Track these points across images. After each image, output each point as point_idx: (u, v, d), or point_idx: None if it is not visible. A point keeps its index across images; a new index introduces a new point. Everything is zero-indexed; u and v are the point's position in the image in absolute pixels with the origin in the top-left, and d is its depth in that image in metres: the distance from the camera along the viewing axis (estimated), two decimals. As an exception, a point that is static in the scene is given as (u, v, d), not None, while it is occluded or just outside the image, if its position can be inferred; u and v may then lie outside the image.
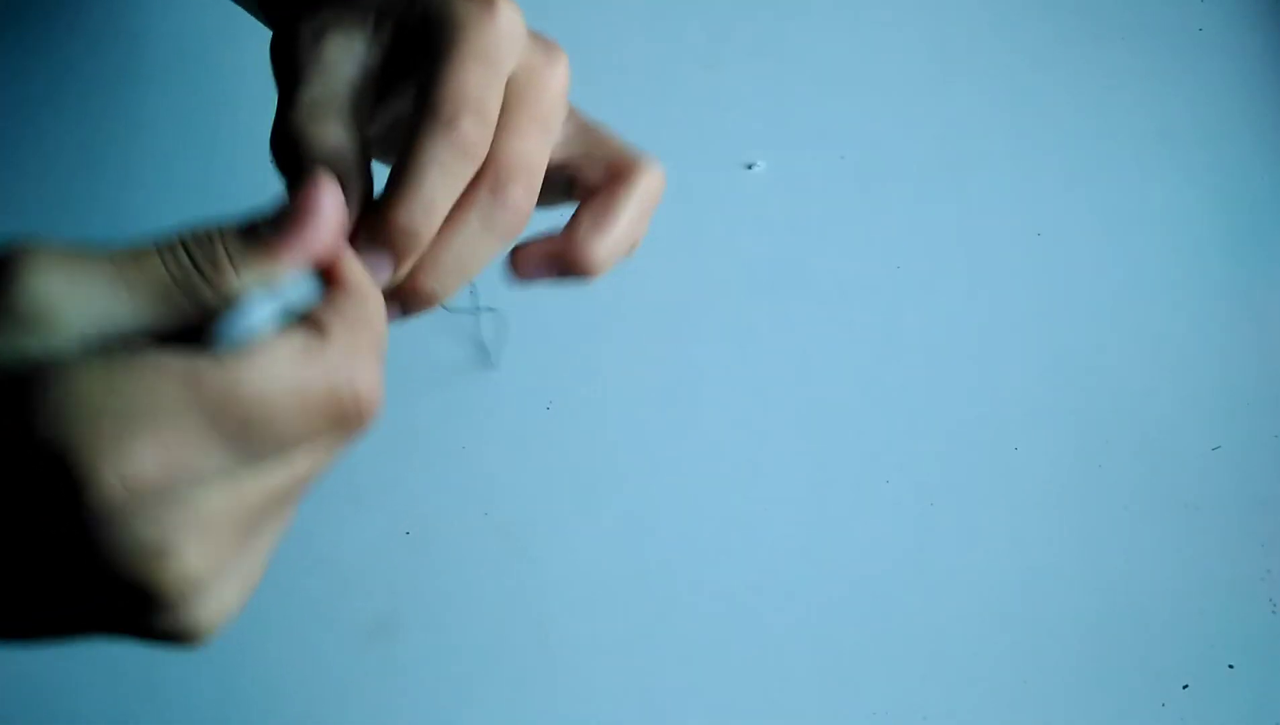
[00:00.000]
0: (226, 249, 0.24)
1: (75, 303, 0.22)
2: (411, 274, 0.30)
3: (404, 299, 0.30)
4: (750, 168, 0.57)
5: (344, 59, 0.30)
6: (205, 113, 0.57)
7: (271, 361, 0.22)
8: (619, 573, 0.50)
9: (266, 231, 0.25)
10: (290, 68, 0.30)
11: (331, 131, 0.29)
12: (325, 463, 0.25)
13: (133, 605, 0.21)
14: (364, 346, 0.24)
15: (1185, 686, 0.49)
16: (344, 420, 0.24)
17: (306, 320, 0.24)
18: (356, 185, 0.29)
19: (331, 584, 0.50)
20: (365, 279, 0.26)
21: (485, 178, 0.30)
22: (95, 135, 0.57)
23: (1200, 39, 0.60)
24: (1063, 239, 0.56)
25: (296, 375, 0.23)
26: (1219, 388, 0.53)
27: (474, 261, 0.30)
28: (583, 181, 0.35)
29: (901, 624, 0.50)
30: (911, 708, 0.49)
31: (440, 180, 0.28)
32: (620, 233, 0.33)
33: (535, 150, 0.31)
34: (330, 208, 0.25)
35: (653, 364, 0.53)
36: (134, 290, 0.23)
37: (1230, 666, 0.49)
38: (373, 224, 0.28)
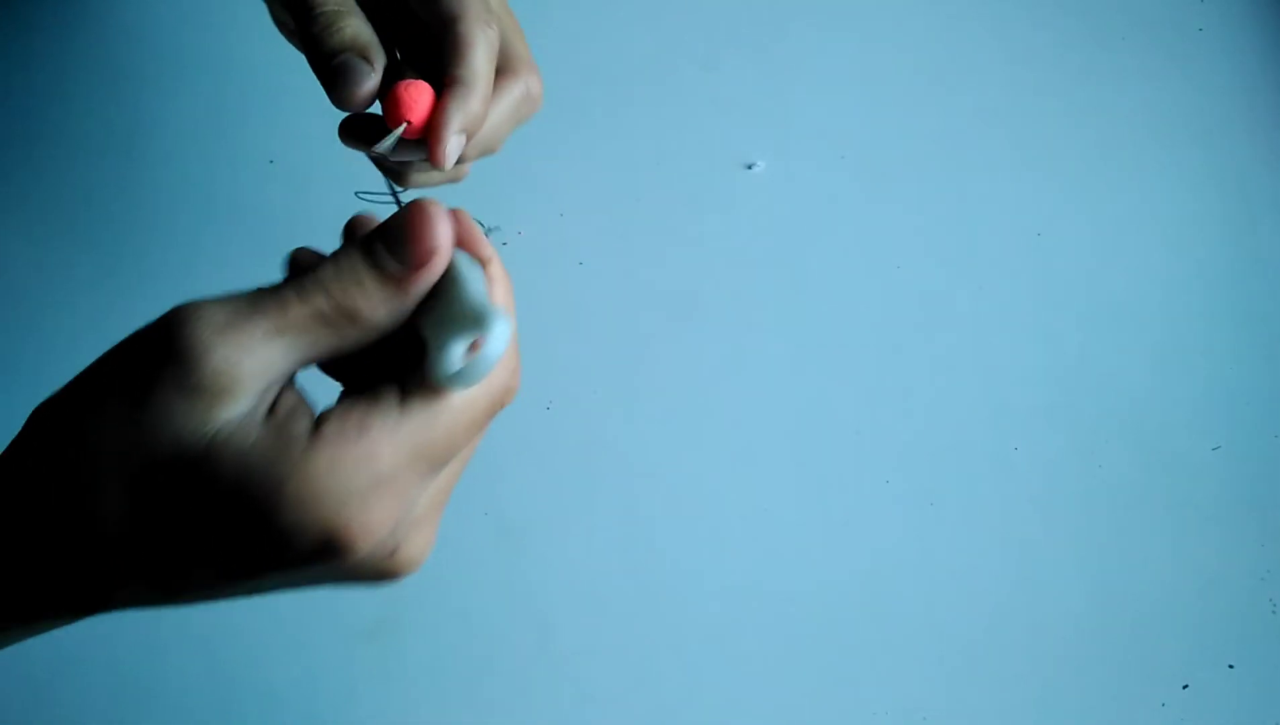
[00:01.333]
0: (365, 289, 0.26)
1: (247, 367, 0.24)
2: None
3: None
4: (750, 168, 0.57)
5: None
6: (208, 107, 0.57)
7: (449, 405, 0.26)
8: (619, 572, 0.50)
9: (395, 269, 0.26)
10: None
11: (353, 24, 0.35)
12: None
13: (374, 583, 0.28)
14: (510, 357, 0.28)
15: (1185, 686, 0.49)
16: (501, 409, 0.29)
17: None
18: (381, 59, 0.35)
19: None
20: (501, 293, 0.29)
21: (519, 74, 0.37)
22: (101, 129, 0.57)
23: (1200, 39, 0.60)
24: (1062, 239, 0.56)
25: (472, 407, 0.27)
26: (1219, 388, 0.53)
27: (496, 139, 0.38)
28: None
29: (902, 624, 0.50)
30: (912, 708, 0.49)
31: (489, 65, 0.35)
32: (496, 124, 0.37)
33: (527, 49, 0.39)
34: (447, 237, 0.27)
35: (652, 364, 0.53)
36: (288, 339, 0.25)
37: (1230, 666, 0.49)
38: (457, 110, 0.34)
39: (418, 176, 0.40)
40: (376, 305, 0.26)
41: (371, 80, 0.34)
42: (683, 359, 0.54)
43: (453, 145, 0.34)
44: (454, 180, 0.42)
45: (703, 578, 0.50)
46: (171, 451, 0.24)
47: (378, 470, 0.25)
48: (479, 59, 0.35)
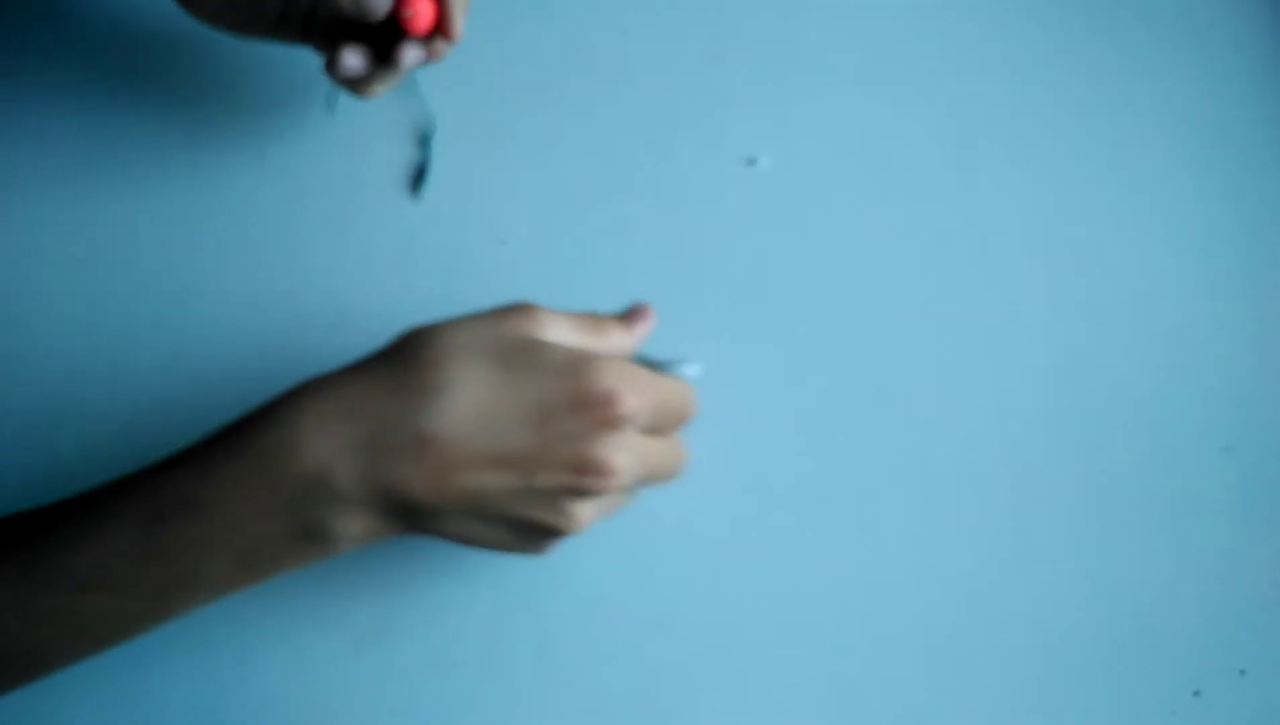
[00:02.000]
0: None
1: (558, 336, 0.40)
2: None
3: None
4: (752, 164, 0.56)
5: None
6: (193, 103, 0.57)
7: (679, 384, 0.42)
8: (616, 578, 0.50)
9: (629, 324, 0.44)
10: None
11: None
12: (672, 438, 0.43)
13: (579, 476, 0.37)
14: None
15: (1196, 693, 0.49)
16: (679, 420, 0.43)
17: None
18: None
19: (324, 590, 0.49)
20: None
21: None
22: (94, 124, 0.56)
23: (1207, 35, 0.60)
24: (1068, 237, 0.56)
25: (684, 389, 0.43)
26: (1230, 388, 0.53)
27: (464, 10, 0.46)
28: None
29: (906, 628, 0.49)
30: (918, 712, 0.48)
31: None
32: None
33: None
34: (649, 320, 0.45)
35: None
36: (577, 333, 0.41)
37: (1242, 672, 0.49)
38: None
39: (377, 88, 0.48)
40: (619, 337, 0.43)
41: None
42: (682, 357, 0.53)
43: (460, 20, 0.45)
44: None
45: (701, 581, 0.50)
46: (518, 339, 0.39)
47: (635, 377, 0.39)
48: None
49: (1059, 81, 0.59)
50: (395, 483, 0.36)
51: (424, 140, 0.56)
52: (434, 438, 0.36)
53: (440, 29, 0.45)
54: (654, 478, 0.41)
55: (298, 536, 0.37)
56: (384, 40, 0.45)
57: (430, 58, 0.46)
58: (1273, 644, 0.49)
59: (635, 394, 0.37)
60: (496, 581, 0.50)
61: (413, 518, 0.38)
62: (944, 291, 0.55)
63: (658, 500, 0.51)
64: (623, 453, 0.37)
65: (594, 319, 0.42)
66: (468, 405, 0.36)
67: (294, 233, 0.55)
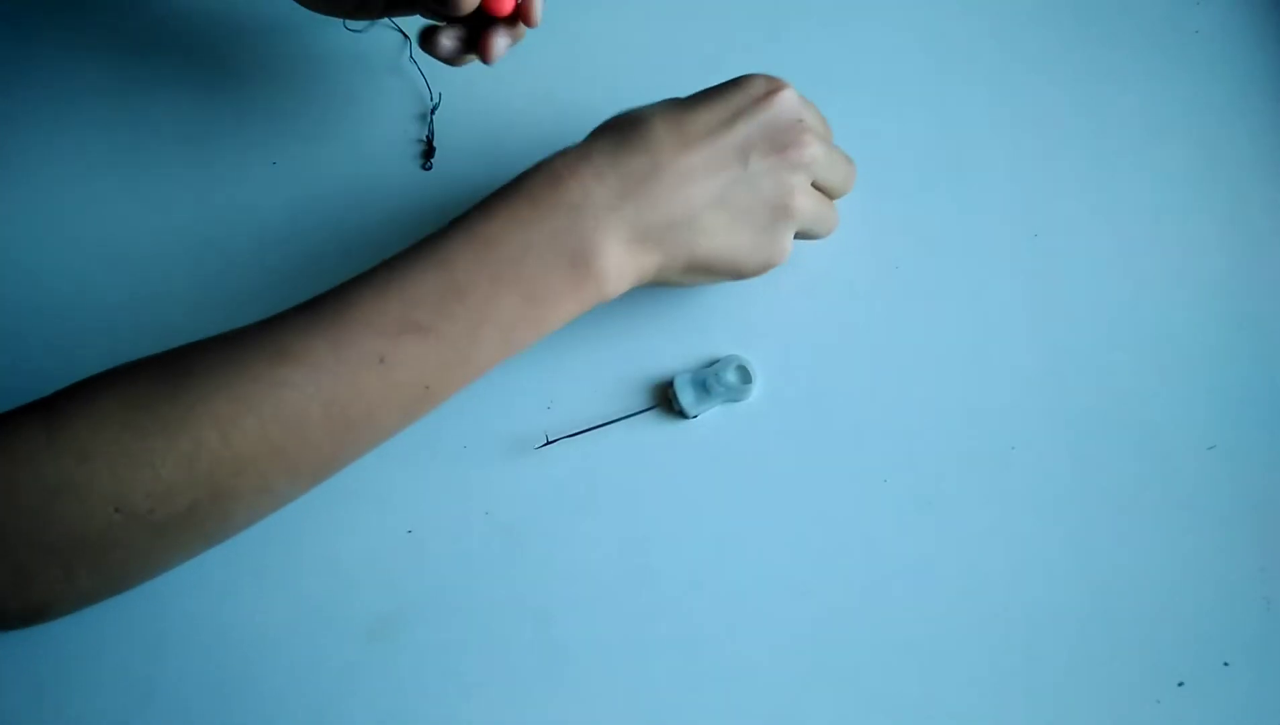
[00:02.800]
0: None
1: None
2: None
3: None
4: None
5: None
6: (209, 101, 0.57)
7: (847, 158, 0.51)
8: (619, 572, 0.50)
9: None
10: None
11: None
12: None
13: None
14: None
15: (1180, 684, 0.49)
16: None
17: None
18: None
19: (332, 584, 0.50)
20: None
21: None
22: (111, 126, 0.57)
23: (1196, 41, 0.60)
24: (1059, 240, 0.56)
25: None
26: (1215, 387, 0.53)
27: None
28: None
29: (898, 623, 0.50)
30: (908, 706, 0.49)
31: None
32: None
33: None
34: None
35: (651, 363, 0.54)
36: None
37: (1226, 664, 0.49)
38: None
39: (465, 59, 0.49)
40: None
41: None
42: (681, 357, 0.54)
43: (540, 8, 0.46)
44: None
45: (702, 577, 0.50)
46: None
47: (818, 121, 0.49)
48: None
49: (1050, 87, 0.59)
50: (643, 197, 0.43)
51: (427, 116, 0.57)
52: (661, 158, 0.44)
53: (522, 14, 0.46)
54: (823, 213, 0.49)
55: (570, 265, 0.43)
56: (471, 17, 0.47)
57: (513, 40, 0.47)
58: (1256, 636, 0.50)
59: (816, 127, 0.48)
60: (504, 573, 0.50)
61: (666, 237, 0.44)
62: (935, 292, 0.55)
63: (658, 499, 0.52)
64: (809, 140, 0.46)
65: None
66: (679, 129, 0.45)
67: (302, 231, 0.55)
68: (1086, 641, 0.50)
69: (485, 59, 0.46)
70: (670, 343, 0.54)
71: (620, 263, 0.44)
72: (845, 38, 0.60)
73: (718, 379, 0.52)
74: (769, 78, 0.47)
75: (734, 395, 0.52)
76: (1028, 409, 0.53)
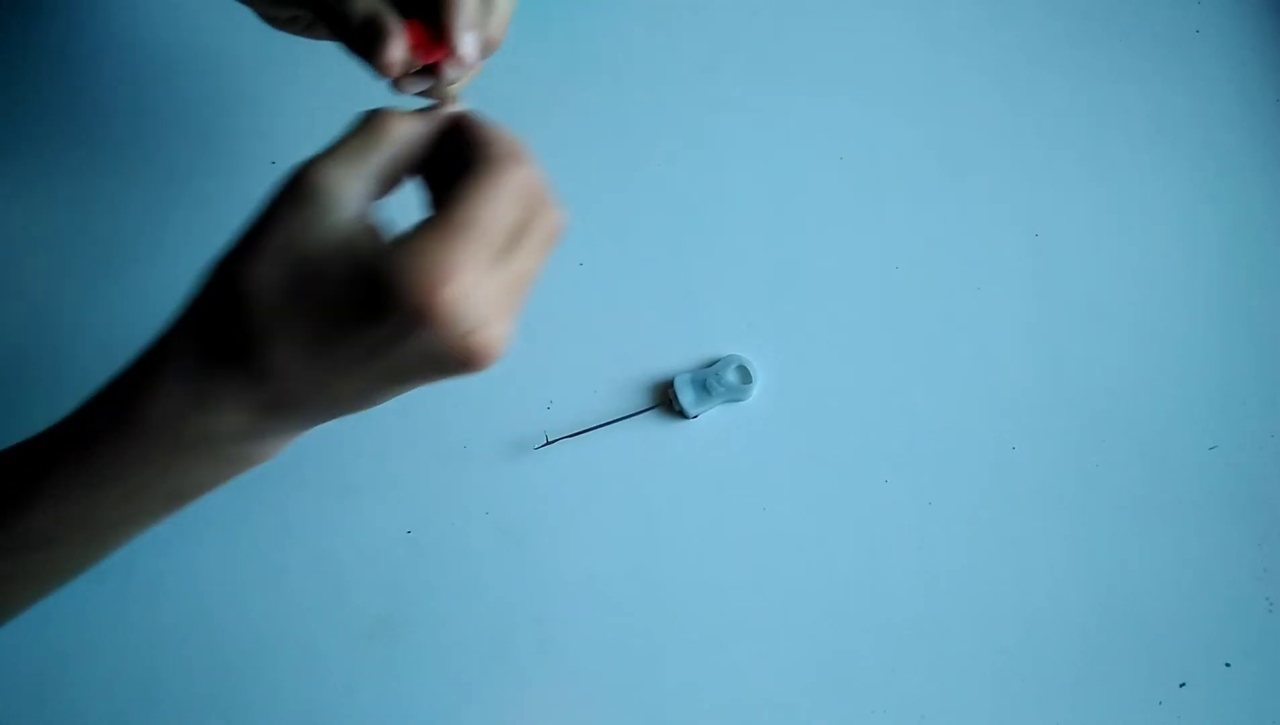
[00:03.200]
0: (386, 113, 0.36)
1: (346, 184, 0.35)
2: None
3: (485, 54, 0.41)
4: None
5: None
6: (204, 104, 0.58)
7: (476, 184, 0.34)
8: (619, 572, 0.50)
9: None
10: None
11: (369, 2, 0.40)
12: (542, 244, 0.37)
13: (443, 346, 0.34)
14: (522, 159, 0.36)
15: (1182, 684, 0.49)
16: (538, 205, 0.36)
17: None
18: (399, 20, 0.39)
19: (332, 583, 0.50)
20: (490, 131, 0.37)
21: None
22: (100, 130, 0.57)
23: (1197, 40, 0.60)
24: (1060, 240, 0.56)
25: (493, 179, 0.34)
26: (1216, 387, 0.53)
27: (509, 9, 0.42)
28: None
29: (899, 623, 0.50)
30: (909, 706, 0.49)
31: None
32: (472, 10, 0.40)
33: None
34: (401, 56, 0.39)
35: (651, 363, 0.54)
36: (353, 158, 0.35)
37: (1227, 664, 0.49)
38: (458, 11, 0.39)
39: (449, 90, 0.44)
40: (396, 117, 0.36)
41: (396, 42, 0.39)
42: (684, 357, 0.54)
43: (469, 41, 0.40)
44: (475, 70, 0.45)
45: (702, 577, 0.50)
46: (305, 249, 0.35)
47: (447, 253, 0.33)
48: None
49: (1051, 87, 0.59)
50: (285, 417, 0.37)
51: None
52: (300, 392, 0.36)
53: (440, 51, 0.40)
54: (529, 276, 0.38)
55: (218, 474, 0.39)
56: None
57: (464, 73, 0.42)
58: (1257, 637, 0.50)
59: (457, 277, 0.33)
60: (503, 573, 0.50)
61: (330, 416, 0.38)
62: (936, 292, 0.55)
63: (657, 499, 0.52)
64: (482, 344, 0.35)
65: (373, 136, 0.36)
66: (312, 362, 0.35)
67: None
68: (1088, 642, 0.49)
69: (443, 101, 0.41)
70: (670, 343, 0.54)
71: (275, 447, 0.39)
72: (846, 37, 0.60)
73: (718, 379, 0.52)
74: (420, 288, 0.33)
75: (734, 395, 0.52)
76: (1029, 409, 0.53)
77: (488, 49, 0.42)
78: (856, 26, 0.60)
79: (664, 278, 0.55)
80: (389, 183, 0.37)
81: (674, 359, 0.53)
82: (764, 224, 0.56)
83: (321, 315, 0.34)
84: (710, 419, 0.53)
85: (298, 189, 0.35)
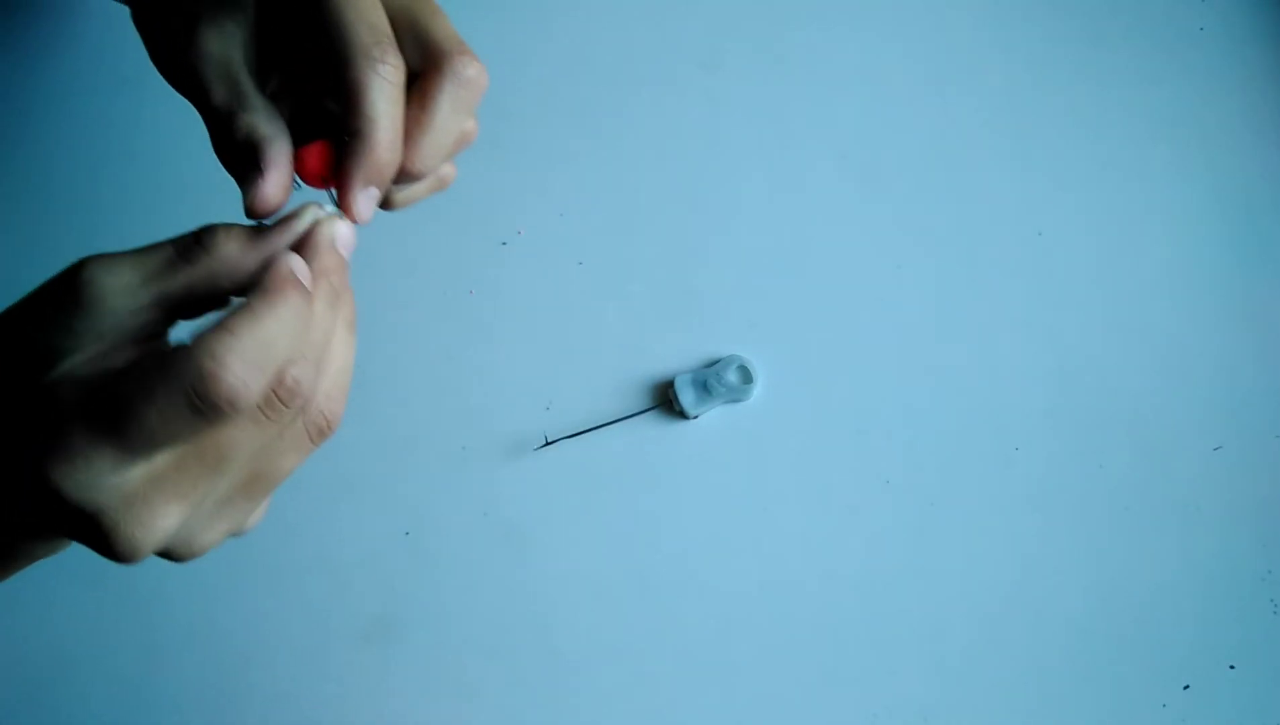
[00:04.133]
0: (218, 228, 0.31)
1: (112, 286, 0.29)
2: (403, 163, 0.34)
3: (400, 180, 0.34)
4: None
5: (228, 47, 0.34)
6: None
7: (138, 372, 0.28)
8: (618, 572, 0.50)
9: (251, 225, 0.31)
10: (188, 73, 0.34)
11: (252, 120, 0.33)
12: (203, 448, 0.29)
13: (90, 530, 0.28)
14: (244, 349, 0.28)
15: (1186, 687, 0.49)
16: (199, 410, 0.27)
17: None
18: (285, 148, 0.33)
19: (331, 584, 0.50)
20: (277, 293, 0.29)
21: (443, 65, 0.34)
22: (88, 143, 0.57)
23: (1200, 39, 0.60)
24: (1063, 239, 0.56)
25: (151, 381, 0.27)
26: (1220, 388, 0.53)
27: (450, 140, 0.35)
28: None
29: (902, 624, 0.50)
30: (912, 707, 0.49)
31: (390, 106, 0.33)
32: (440, 130, 0.34)
33: (449, 28, 0.35)
34: (268, 187, 0.32)
35: (651, 363, 0.53)
36: (151, 266, 0.30)
37: (1231, 667, 0.49)
38: (358, 166, 0.33)
39: (397, 197, 0.38)
40: (231, 239, 0.30)
41: (267, 182, 0.33)
42: (684, 357, 0.54)
43: (363, 202, 0.33)
44: (436, 189, 0.39)
45: (702, 577, 0.50)
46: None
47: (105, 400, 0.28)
48: (373, 103, 0.32)
49: (1054, 85, 0.59)
50: None
51: None
52: None
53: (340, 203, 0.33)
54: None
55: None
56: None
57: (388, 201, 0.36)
58: (1261, 639, 0.49)
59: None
60: (503, 574, 0.50)
61: None
62: (939, 292, 0.55)
63: (657, 500, 0.52)
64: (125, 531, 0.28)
65: (189, 252, 0.30)
66: None
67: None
68: (1092, 644, 0.49)
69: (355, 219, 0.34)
70: (670, 343, 0.54)
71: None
72: (846, 36, 0.60)
73: (718, 379, 0.52)
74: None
75: (734, 395, 0.52)
76: (1031, 410, 0.53)
77: (433, 178, 0.36)
78: (857, 25, 0.60)
79: (664, 278, 0.55)
80: (188, 307, 0.31)
81: (674, 359, 0.53)
82: (765, 223, 0.56)
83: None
84: (710, 419, 0.53)
85: (67, 281, 0.29)
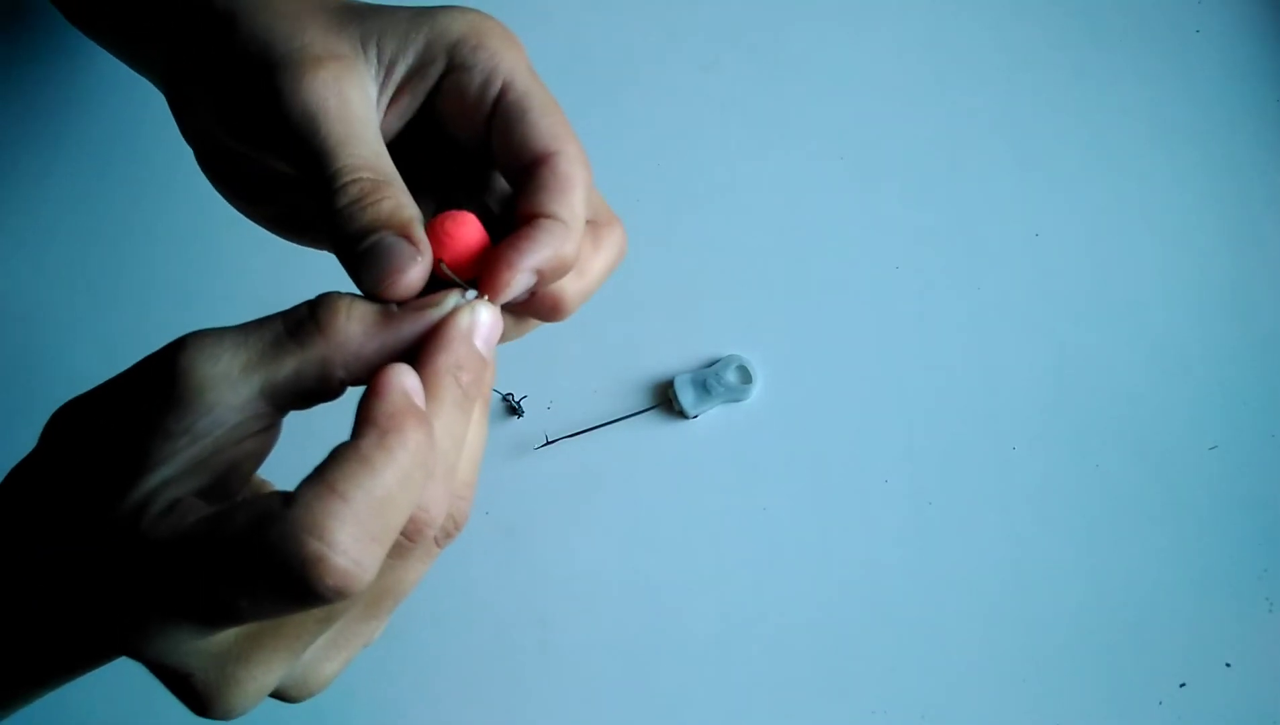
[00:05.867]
0: (339, 302, 0.26)
1: (213, 376, 0.25)
2: (557, 303, 0.31)
3: (544, 315, 0.31)
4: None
5: (357, 99, 0.30)
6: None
7: (226, 545, 0.23)
8: (619, 572, 0.50)
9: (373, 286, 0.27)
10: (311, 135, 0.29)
11: (393, 195, 0.29)
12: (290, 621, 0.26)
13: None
14: (349, 521, 0.23)
15: (1183, 685, 0.49)
16: (302, 600, 0.23)
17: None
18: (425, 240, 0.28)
19: (332, 583, 0.50)
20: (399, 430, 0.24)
21: (613, 224, 0.33)
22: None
23: (1197, 40, 0.60)
24: (1060, 239, 0.56)
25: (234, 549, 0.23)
26: (1216, 387, 0.53)
27: (595, 289, 0.32)
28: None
29: (900, 622, 0.50)
30: (910, 706, 0.49)
31: (584, 211, 0.30)
32: (599, 274, 0.32)
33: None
34: (418, 272, 0.27)
35: (651, 363, 0.54)
36: (256, 349, 0.25)
37: (1228, 665, 0.49)
38: (538, 246, 0.28)
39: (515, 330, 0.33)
40: (352, 314, 0.26)
41: (420, 265, 0.27)
42: (684, 357, 0.54)
43: (521, 282, 0.28)
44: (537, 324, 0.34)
45: (702, 577, 0.50)
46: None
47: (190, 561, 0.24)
48: (578, 200, 0.29)
49: (1051, 86, 0.59)
50: None
51: None
52: None
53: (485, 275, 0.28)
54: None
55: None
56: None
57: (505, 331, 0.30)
58: (1257, 637, 0.50)
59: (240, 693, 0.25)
60: (503, 573, 0.50)
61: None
62: (936, 292, 0.55)
63: (657, 499, 0.52)
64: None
65: (301, 330, 0.26)
66: None
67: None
68: (1088, 642, 0.49)
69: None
70: (670, 343, 0.54)
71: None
72: (845, 36, 0.60)
73: (718, 379, 0.52)
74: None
75: (734, 395, 0.52)
76: (1029, 409, 0.53)
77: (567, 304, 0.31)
78: (856, 25, 0.60)
79: (664, 278, 0.55)
80: (304, 398, 0.26)
81: (674, 359, 0.54)
82: (764, 223, 0.56)
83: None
84: (710, 419, 0.53)
85: (162, 369, 0.25)
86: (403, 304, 0.27)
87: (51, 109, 0.57)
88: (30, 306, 0.54)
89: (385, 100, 0.31)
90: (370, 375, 0.25)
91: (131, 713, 0.48)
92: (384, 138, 0.31)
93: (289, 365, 0.25)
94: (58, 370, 0.52)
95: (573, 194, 0.29)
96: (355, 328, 0.26)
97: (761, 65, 0.59)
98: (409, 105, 0.32)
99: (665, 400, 0.53)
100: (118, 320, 0.53)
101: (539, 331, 0.53)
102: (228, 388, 0.25)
